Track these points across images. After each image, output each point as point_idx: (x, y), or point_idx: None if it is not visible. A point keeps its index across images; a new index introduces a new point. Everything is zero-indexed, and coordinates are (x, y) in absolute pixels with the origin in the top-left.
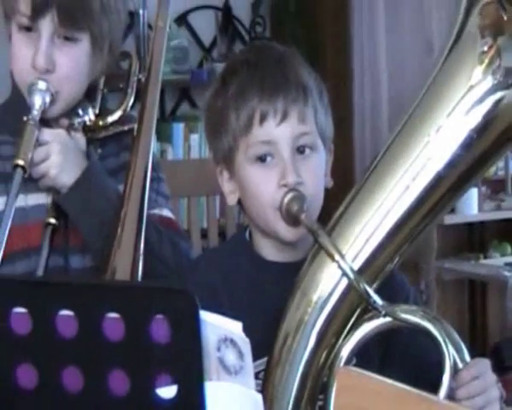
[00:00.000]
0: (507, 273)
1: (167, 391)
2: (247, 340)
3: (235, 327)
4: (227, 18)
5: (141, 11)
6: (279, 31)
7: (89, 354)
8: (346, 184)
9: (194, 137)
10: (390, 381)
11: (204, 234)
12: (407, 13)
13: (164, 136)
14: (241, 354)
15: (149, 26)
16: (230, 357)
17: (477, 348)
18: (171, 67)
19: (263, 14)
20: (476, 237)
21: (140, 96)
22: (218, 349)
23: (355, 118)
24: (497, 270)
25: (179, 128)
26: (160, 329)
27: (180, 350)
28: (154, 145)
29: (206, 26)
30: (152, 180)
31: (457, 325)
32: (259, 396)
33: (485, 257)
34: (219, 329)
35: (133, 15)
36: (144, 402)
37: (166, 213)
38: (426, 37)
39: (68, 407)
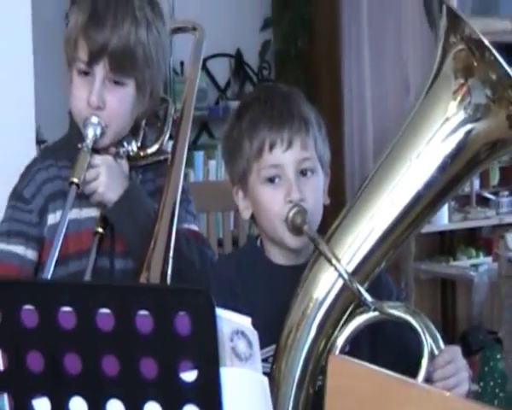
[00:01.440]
0: (472, 273)
1: (189, 375)
2: (255, 332)
3: (245, 321)
4: (239, 63)
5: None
6: (282, 73)
7: (123, 345)
8: (338, 201)
9: (212, 163)
10: (375, 367)
11: (220, 243)
12: (388, 59)
13: (187, 162)
14: (250, 344)
15: (174, 71)
16: (241, 346)
17: (448, 335)
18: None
19: (268, 60)
20: (447, 243)
21: (174, 131)
22: (231, 340)
23: (345, 147)
24: (464, 270)
25: (200, 155)
26: (182, 323)
27: (199, 341)
28: None
29: (221, 70)
30: (182, 201)
31: (432, 317)
32: (266, 379)
33: (455, 260)
34: (232, 323)
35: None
36: (170, 385)
37: (194, 227)
38: (404, 78)
39: (107, 388)
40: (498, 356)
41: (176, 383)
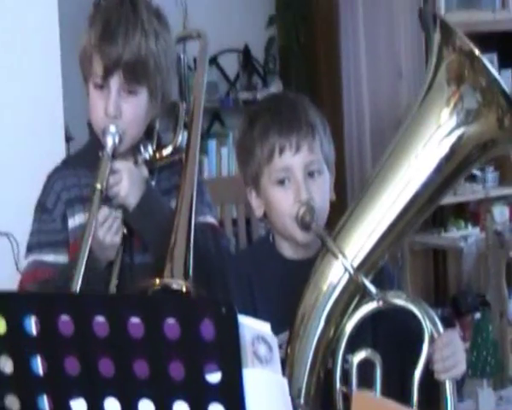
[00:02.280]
0: (462, 243)
1: (214, 377)
2: (274, 337)
3: (265, 328)
4: (246, 58)
5: (181, 55)
6: (286, 66)
7: (153, 350)
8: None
9: (224, 150)
10: (398, 404)
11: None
12: (382, 49)
13: (201, 149)
14: (270, 348)
15: (189, 67)
16: (262, 350)
17: (440, 299)
18: (206, 97)
19: (274, 54)
20: (438, 216)
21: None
22: (253, 344)
23: (345, 128)
24: (454, 241)
25: (213, 143)
26: (208, 330)
27: (224, 346)
28: None
29: (230, 64)
30: (197, 194)
31: (425, 283)
32: (285, 380)
33: (445, 231)
34: (253, 330)
35: (177, 59)
36: (196, 385)
37: (209, 218)
38: (396, 65)
39: (138, 389)
40: (490, 328)
41: (202, 383)
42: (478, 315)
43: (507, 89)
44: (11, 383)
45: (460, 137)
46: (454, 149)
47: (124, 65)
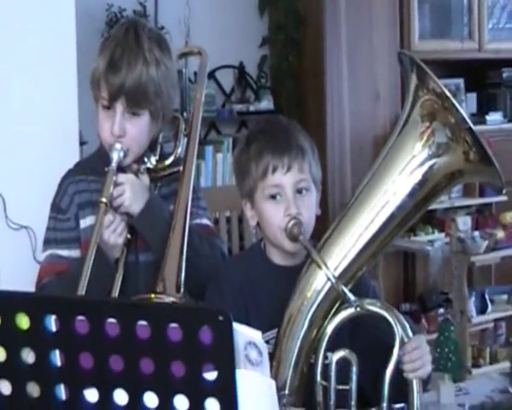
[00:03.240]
0: (429, 247)
1: (210, 375)
2: (264, 344)
3: (256, 335)
4: (241, 73)
5: (183, 69)
6: (276, 83)
7: (157, 350)
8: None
9: (220, 155)
10: None
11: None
12: (362, 73)
13: (199, 154)
14: (260, 353)
15: (189, 80)
16: (253, 354)
17: (409, 297)
18: (204, 108)
19: (265, 72)
20: None
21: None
22: (245, 349)
23: (327, 143)
24: (422, 245)
25: (209, 149)
26: (206, 335)
27: (220, 349)
28: None
29: (226, 79)
30: (193, 199)
31: (396, 282)
32: (273, 382)
33: (415, 236)
34: (246, 336)
35: (179, 72)
36: (195, 382)
37: (205, 221)
38: (374, 88)
39: (144, 383)
40: (452, 328)
41: (200, 381)
42: (441, 311)
43: (473, 126)
44: (33, 372)
45: (431, 167)
46: (426, 177)
47: (126, 91)
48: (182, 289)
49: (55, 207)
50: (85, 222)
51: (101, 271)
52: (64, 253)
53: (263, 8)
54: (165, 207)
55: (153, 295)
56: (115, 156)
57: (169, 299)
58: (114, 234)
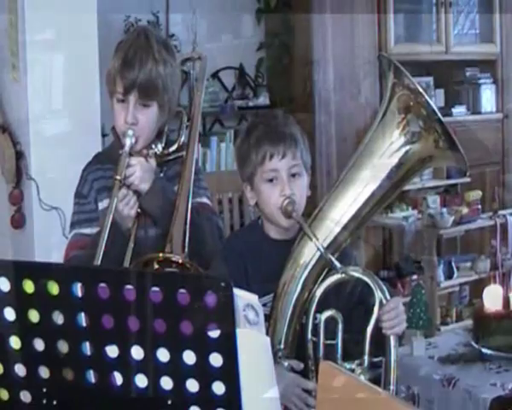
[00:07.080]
0: (404, 223)
1: (214, 333)
2: (260, 306)
3: (253, 298)
4: (241, 74)
5: (191, 71)
6: (272, 81)
7: (168, 311)
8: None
9: (223, 145)
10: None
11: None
12: (346, 71)
13: (205, 144)
14: (257, 314)
15: (196, 80)
16: (251, 315)
17: (387, 265)
18: (209, 104)
19: (262, 72)
20: None
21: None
22: (244, 310)
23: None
24: (398, 220)
25: (214, 139)
26: (210, 298)
27: (222, 311)
28: (199, 150)
29: (229, 78)
30: (194, 180)
31: (376, 253)
32: (268, 339)
33: (391, 212)
34: (245, 299)
35: (187, 73)
36: (200, 339)
37: (204, 200)
38: (357, 85)
39: (157, 340)
40: (423, 292)
41: (205, 337)
42: (414, 277)
43: (442, 118)
44: (62, 332)
45: (406, 152)
46: (401, 161)
47: (138, 85)
48: (186, 249)
49: (78, 194)
50: (103, 204)
51: (116, 238)
52: (87, 230)
53: (260, 17)
54: (170, 187)
55: (161, 254)
56: (128, 141)
57: (175, 258)
58: (128, 206)
